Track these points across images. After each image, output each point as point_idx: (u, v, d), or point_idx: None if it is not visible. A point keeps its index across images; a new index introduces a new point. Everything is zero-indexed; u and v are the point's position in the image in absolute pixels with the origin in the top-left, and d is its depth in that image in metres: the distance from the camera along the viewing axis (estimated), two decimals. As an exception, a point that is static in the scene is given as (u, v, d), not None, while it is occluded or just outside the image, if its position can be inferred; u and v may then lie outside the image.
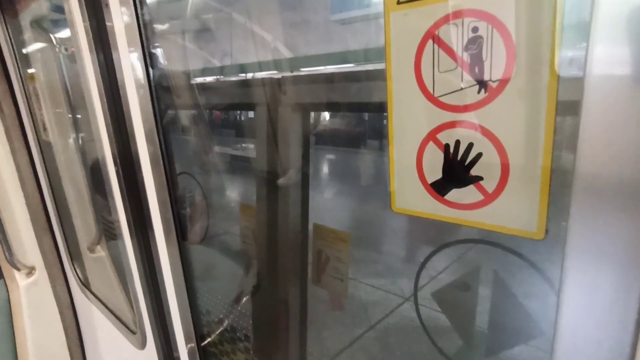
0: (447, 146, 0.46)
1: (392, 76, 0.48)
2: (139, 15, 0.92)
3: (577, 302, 0.37)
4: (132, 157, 1.11)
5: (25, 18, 1.80)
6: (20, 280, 2.00)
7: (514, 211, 0.43)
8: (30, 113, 1.81)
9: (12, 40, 1.74)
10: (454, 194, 0.47)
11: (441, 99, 0.45)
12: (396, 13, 0.45)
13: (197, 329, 1.24)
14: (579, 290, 0.37)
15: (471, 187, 0.45)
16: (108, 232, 2.16)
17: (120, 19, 0.95)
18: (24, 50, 1.83)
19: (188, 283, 1.17)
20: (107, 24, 0.99)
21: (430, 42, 0.44)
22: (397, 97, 0.48)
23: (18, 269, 1.97)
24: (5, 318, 2.02)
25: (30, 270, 2.02)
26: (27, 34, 1.84)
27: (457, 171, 0.46)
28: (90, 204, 2.10)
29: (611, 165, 0.33)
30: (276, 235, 1.12)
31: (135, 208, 1.18)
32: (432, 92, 0.46)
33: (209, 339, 1.31)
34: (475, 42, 0.41)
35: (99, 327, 1.91)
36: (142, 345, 1.44)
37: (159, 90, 0.99)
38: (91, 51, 1.05)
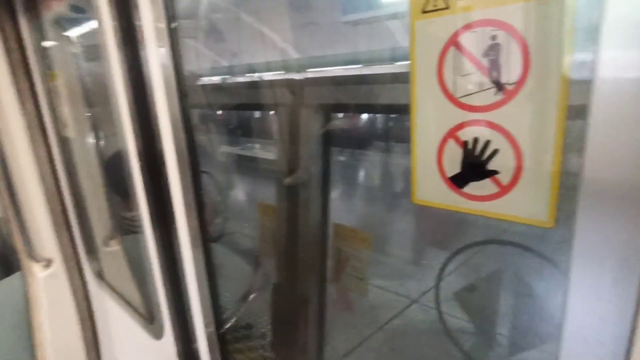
0: (466, 143, 0.51)
1: (416, 78, 0.53)
2: (169, 14, 0.95)
3: (585, 293, 0.41)
4: (156, 152, 1.15)
5: (47, 17, 1.86)
6: (38, 272, 2.06)
7: (526, 202, 0.47)
8: (51, 110, 1.87)
9: (35, 39, 1.80)
10: (471, 187, 0.52)
11: (461, 100, 0.50)
12: (421, 22, 0.50)
13: (217, 322, 1.27)
14: (586, 282, 0.40)
15: (487, 180, 0.50)
16: (123, 227, 2.22)
17: (149, 17, 0.98)
18: (46, 49, 1.89)
19: (209, 275, 1.21)
20: (136, 22, 1.02)
21: (452, 48, 0.49)
22: (420, 97, 0.53)
23: (36, 261, 2.03)
24: (23, 308, 2.08)
25: (48, 263, 2.08)
26: (49, 33, 1.90)
27: (475, 166, 0.50)
28: (106, 199, 2.15)
29: (616, 163, 0.36)
30: (296, 233, 1.15)
31: (158, 201, 1.21)
32: (453, 93, 0.50)
33: (228, 330, 1.34)
34: (493, 49, 0.46)
35: (114, 318, 1.96)
36: (160, 335, 1.48)
37: (187, 88, 1.03)
38: (119, 49, 1.08)
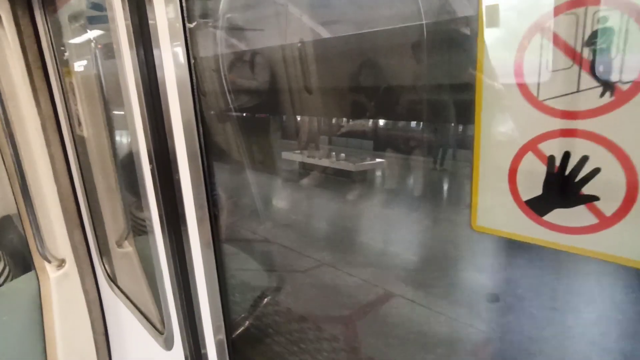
0: (551, 158, 0.39)
1: (483, 73, 0.41)
2: (183, 12, 0.90)
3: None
4: (169, 154, 1.09)
5: (64, 13, 1.82)
6: (50, 273, 2.03)
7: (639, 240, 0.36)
8: (66, 108, 1.83)
9: (51, 35, 1.76)
10: (556, 215, 0.40)
11: (548, 102, 0.38)
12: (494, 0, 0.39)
13: (229, 337, 1.20)
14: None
15: (581, 207, 0.38)
16: (136, 227, 2.18)
17: (163, 16, 0.92)
18: (62, 45, 1.85)
19: (222, 286, 1.14)
20: (150, 22, 0.97)
21: (538, 35, 0.38)
22: (488, 98, 0.42)
23: (49, 261, 2.00)
24: (35, 308, 2.05)
25: (61, 263, 2.05)
26: (66, 30, 1.86)
27: (563, 188, 0.39)
28: (120, 199, 2.12)
29: None
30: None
31: (168, 204, 1.15)
32: (535, 94, 0.39)
33: (240, 348, 1.27)
34: (602, 35, 0.34)
35: (125, 323, 1.91)
36: (169, 346, 1.41)
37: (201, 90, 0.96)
38: (131, 47, 1.03)
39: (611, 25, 0.34)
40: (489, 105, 0.42)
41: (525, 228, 0.42)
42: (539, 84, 0.39)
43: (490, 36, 0.40)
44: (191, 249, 1.18)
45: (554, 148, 0.39)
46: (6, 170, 1.86)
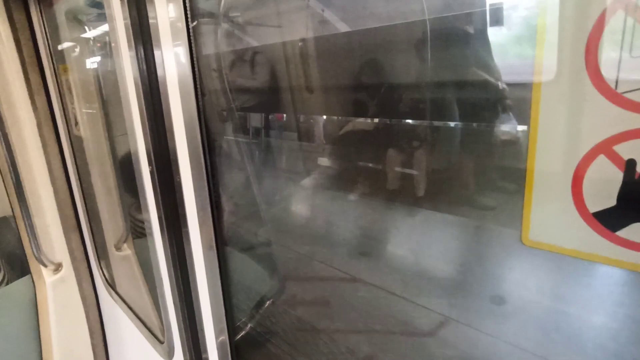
0: (630, 162, 0.33)
1: (543, 58, 0.35)
2: (187, 10, 0.85)
3: None
4: (169, 155, 1.04)
5: (60, 9, 1.76)
6: (47, 277, 1.97)
7: None
8: (62, 107, 1.77)
9: (47, 32, 1.70)
10: (633, 230, 0.34)
11: (629, 95, 0.32)
12: (563, -26, 0.32)
13: (232, 347, 1.14)
14: None
15: (668, 222, 0.32)
16: (135, 230, 2.12)
17: (165, 14, 0.88)
18: (58, 43, 1.79)
19: (225, 293, 1.09)
20: (151, 21, 0.92)
21: (620, 12, 0.31)
22: (549, 89, 0.35)
23: (45, 265, 1.93)
24: (31, 314, 1.99)
25: (57, 267, 1.99)
26: (62, 26, 1.80)
27: (646, 199, 0.32)
28: (119, 200, 2.06)
29: None
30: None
31: (168, 206, 1.10)
32: (613, 85, 0.32)
33: (244, 351, 1.22)
34: None
35: (124, 330, 1.85)
36: (170, 356, 1.35)
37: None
38: (130, 47, 0.98)
39: None
40: (549, 99, 0.35)
41: (593, 245, 0.36)
42: (618, 73, 0.32)
43: (553, 13, 0.33)
44: (192, 253, 1.13)
45: (635, 150, 0.32)
46: (0, 171, 1.80)
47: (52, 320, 1.99)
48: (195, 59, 0.91)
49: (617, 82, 0.32)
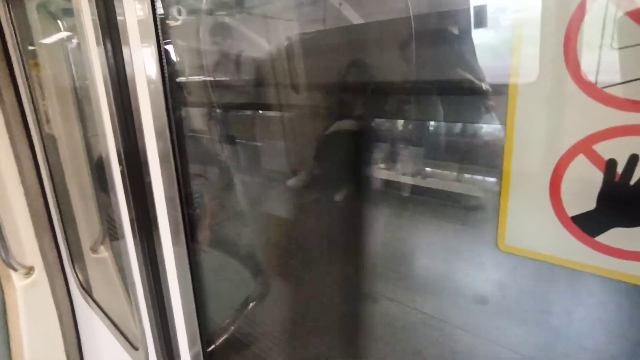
0: (611, 162, 0.30)
1: (519, 52, 0.32)
2: (155, 9, 0.81)
3: None
4: (139, 155, 1.00)
5: (29, 2, 1.68)
6: (17, 281, 1.88)
7: None
8: (33, 103, 1.69)
9: (14, 23, 1.62)
10: (613, 236, 0.31)
11: (609, 90, 0.29)
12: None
13: (205, 351, 1.11)
14: None
15: (650, 227, 0.30)
16: (113, 231, 2.05)
17: (133, 11, 0.84)
18: (28, 36, 1.71)
19: (197, 296, 1.05)
20: (119, 18, 0.88)
21: (600, 0, 0.28)
22: (525, 86, 0.33)
23: (15, 269, 1.85)
24: (1, 319, 1.90)
25: (29, 271, 1.90)
26: (33, 18, 1.72)
27: (626, 202, 0.30)
28: (95, 201, 1.99)
29: None
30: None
31: (139, 208, 1.06)
32: (592, 79, 0.30)
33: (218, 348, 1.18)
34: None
35: (98, 335, 1.79)
36: (144, 362, 1.30)
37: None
38: (98, 43, 0.95)
39: None
40: (526, 95, 0.33)
41: (571, 251, 0.33)
42: (598, 67, 0.29)
43: (529, 2, 0.31)
44: (164, 256, 1.09)
45: (616, 150, 0.30)
46: (-35, 170, 1.71)
47: (23, 326, 1.90)
48: (163, 56, 0.88)
49: (597, 75, 0.30)
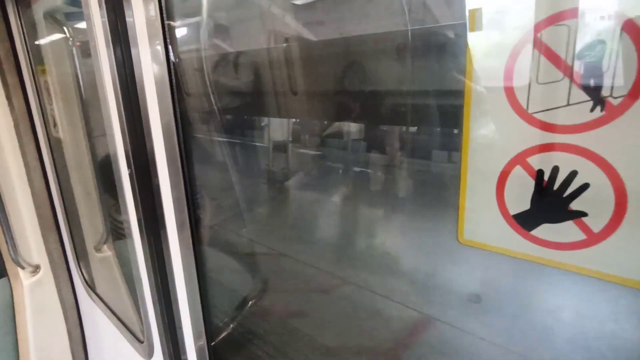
0: (540, 172, 0.38)
1: (472, 83, 0.40)
2: (162, 10, 0.87)
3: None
4: (147, 156, 1.05)
5: (38, 9, 1.74)
6: (24, 279, 1.94)
7: (628, 258, 0.35)
8: (41, 108, 1.76)
9: (25, 31, 1.69)
10: (544, 230, 0.39)
11: (537, 115, 0.37)
12: (483, 8, 0.38)
13: (210, 344, 1.17)
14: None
15: (569, 223, 0.38)
16: (115, 231, 2.11)
17: (142, 13, 0.89)
18: (37, 43, 1.78)
19: (202, 292, 1.11)
20: (128, 19, 0.94)
21: (529, 45, 0.36)
22: (476, 109, 0.41)
23: (22, 267, 1.91)
24: (8, 317, 1.96)
25: (35, 269, 1.97)
26: (40, 26, 1.78)
27: (551, 203, 0.38)
28: (99, 201, 2.05)
29: None
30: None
31: (147, 208, 1.12)
32: (525, 106, 0.38)
33: (221, 355, 1.24)
34: (593, 48, 0.33)
35: (103, 331, 1.85)
36: (150, 354, 1.37)
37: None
38: (108, 46, 0.99)
39: (603, 38, 0.33)
40: (477, 115, 0.41)
41: (513, 243, 0.41)
42: (528, 96, 0.37)
43: (478, 45, 0.39)
44: (171, 254, 1.15)
45: (543, 162, 0.38)
46: (-25, 172, 1.78)
47: (30, 323, 1.97)
48: (171, 59, 0.92)
49: (528, 103, 0.38)
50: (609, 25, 0.32)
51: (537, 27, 0.36)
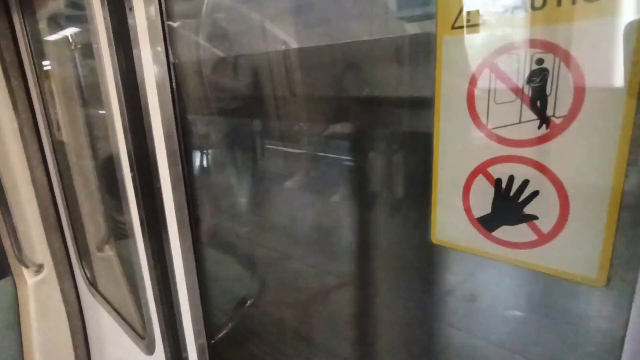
0: (498, 181, 0.44)
1: (441, 102, 0.45)
2: (162, 12, 0.89)
3: None
4: (149, 158, 1.09)
5: (42, 14, 1.79)
6: (28, 278, 1.99)
7: (571, 255, 0.40)
8: (45, 111, 1.81)
9: (29, 37, 1.73)
10: (503, 232, 0.45)
11: (495, 131, 0.43)
12: (450, 38, 0.43)
13: (210, 341, 1.22)
14: None
15: (524, 225, 0.43)
16: (117, 231, 2.15)
17: (143, 16, 0.92)
18: (40, 48, 1.83)
19: (202, 290, 1.15)
20: (129, 21, 0.97)
21: (486, 70, 0.42)
22: (445, 124, 0.46)
23: (27, 266, 1.96)
24: (12, 315, 2.01)
25: (39, 268, 2.02)
26: (44, 31, 1.83)
27: (508, 208, 0.43)
28: (100, 203, 2.10)
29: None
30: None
31: (149, 210, 1.16)
32: (485, 123, 0.43)
33: (221, 352, 1.29)
34: (538, 75, 0.39)
35: (105, 328, 1.90)
36: (151, 351, 1.42)
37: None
38: (110, 47, 1.02)
39: (545, 66, 0.38)
40: (446, 129, 0.46)
41: (477, 242, 0.46)
42: (487, 114, 0.43)
43: (447, 67, 0.44)
44: (172, 253, 1.18)
45: (501, 172, 0.43)
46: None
47: (34, 321, 2.02)
48: (171, 61, 0.92)
49: (487, 120, 0.43)
50: (550, 55, 0.38)
51: (494, 55, 0.41)
